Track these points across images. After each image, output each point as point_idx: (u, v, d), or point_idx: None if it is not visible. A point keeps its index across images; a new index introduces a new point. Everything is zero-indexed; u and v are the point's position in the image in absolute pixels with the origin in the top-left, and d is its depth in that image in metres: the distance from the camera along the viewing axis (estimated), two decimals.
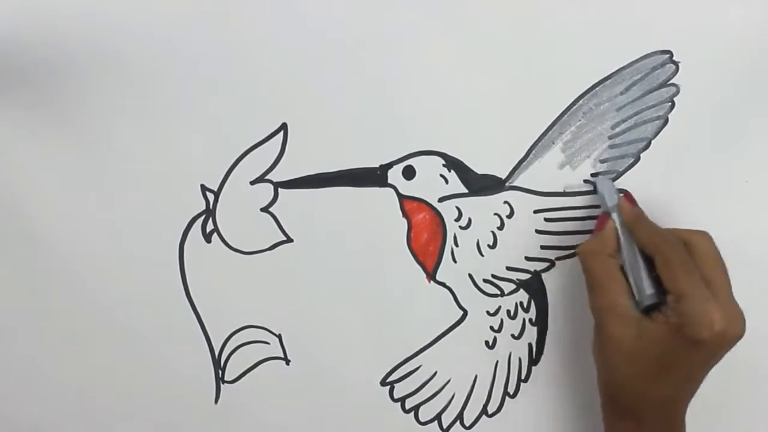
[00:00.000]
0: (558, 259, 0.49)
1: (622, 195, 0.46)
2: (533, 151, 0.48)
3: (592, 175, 0.48)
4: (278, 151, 0.47)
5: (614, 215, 0.45)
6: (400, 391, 0.51)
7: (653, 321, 0.42)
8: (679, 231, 0.44)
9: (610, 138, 0.48)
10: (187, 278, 0.49)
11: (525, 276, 0.50)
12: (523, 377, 0.51)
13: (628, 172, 0.48)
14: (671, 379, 0.42)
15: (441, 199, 0.49)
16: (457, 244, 0.49)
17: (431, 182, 0.48)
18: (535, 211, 0.49)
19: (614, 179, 0.48)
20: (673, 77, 0.47)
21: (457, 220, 0.49)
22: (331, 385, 0.51)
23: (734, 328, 0.40)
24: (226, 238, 0.49)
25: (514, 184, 0.48)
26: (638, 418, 0.43)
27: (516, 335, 0.51)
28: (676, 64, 0.47)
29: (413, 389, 0.51)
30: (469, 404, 0.51)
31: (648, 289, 0.42)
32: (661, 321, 0.41)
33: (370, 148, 0.48)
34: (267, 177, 0.48)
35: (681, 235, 0.43)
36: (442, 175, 0.48)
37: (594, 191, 0.48)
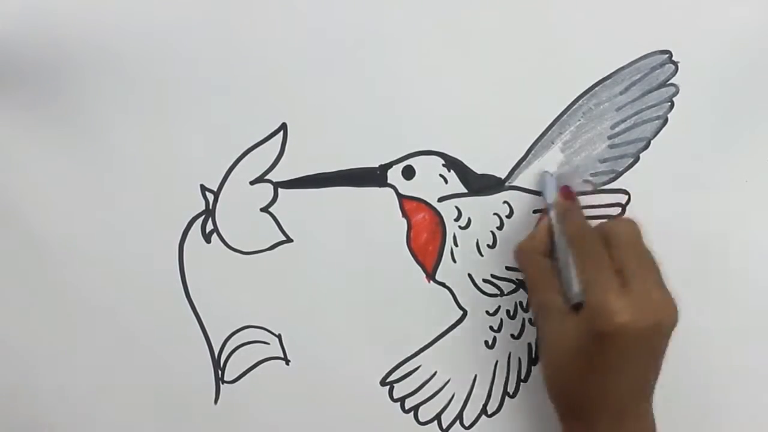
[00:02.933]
0: None
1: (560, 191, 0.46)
2: (533, 151, 0.48)
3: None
4: (278, 151, 0.47)
5: (551, 212, 0.45)
6: (399, 391, 0.51)
7: (574, 317, 0.41)
8: (603, 223, 0.43)
9: (609, 138, 0.48)
10: (187, 278, 0.49)
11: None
12: (522, 377, 0.51)
13: (628, 172, 0.48)
14: (599, 372, 0.40)
15: (440, 199, 0.49)
16: (456, 244, 0.49)
17: (431, 182, 0.48)
18: (535, 211, 0.49)
19: (613, 179, 0.48)
20: (672, 77, 0.47)
21: (457, 220, 0.49)
22: (331, 385, 0.51)
23: (647, 318, 0.38)
24: (225, 238, 0.49)
25: (514, 184, 0.48)
26: (583, 417, 0.42)
27: (515, 335, 0.51)
28: (675, 64, 0.47)
29: (413, 389, 0.51)
30: (468, 404, 0.51)
31: (575, 286, 0.42)
32: (580, 314, 0.40)
33: (370, 148, 0.48)
34: (267, 177, 0.48)
35: (603, 226, 0.42)
36: (441, 175, 0.48)
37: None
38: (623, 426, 0.42)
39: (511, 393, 0.51)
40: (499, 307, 0.50)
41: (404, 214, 0.49)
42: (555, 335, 0.42)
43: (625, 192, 0.48)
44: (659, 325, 0.39)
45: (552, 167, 0.48)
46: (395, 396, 0.51)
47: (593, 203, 0.48)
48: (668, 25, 0.46)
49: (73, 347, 0.50)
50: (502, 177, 0.48)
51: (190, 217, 0.48)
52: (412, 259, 0.49)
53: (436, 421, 0.51)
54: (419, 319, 0.50)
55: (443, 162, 0.48)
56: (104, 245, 0.49)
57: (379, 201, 0.48)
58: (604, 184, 0.48)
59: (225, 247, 0.49)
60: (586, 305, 0.40)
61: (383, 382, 0.51)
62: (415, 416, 0.51)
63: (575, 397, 0.42)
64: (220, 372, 0.51)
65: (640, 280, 0.40)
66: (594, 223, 0.44)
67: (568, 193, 0.46)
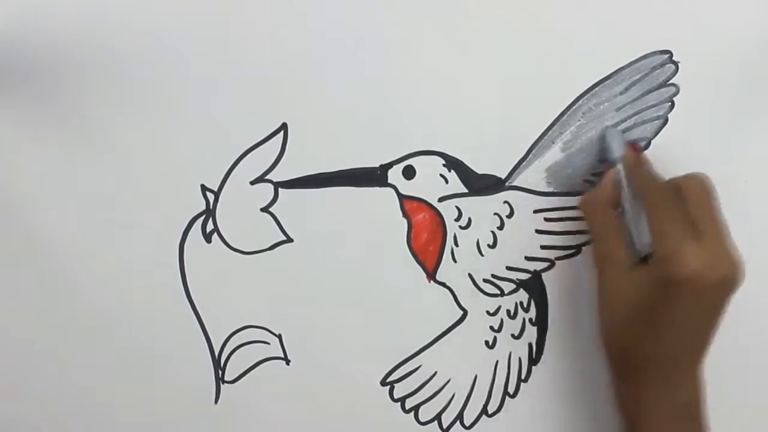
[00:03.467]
0: (558, 259, 0.50)
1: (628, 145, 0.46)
2: (533, 151, 0.48)
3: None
4: (278, 151, 0.47)
5: (619, 166, 0.45)
6: (400, 391, 0.51)
7: (642, 268, 0.41)
8: (675, 177, 0.43)
9: None
10: (187, 278, 0.49)
11: (525, 276, 0.50)
12: (523, 377, 0.51)
13: None
14: (660, 327, 0.40)
15: (441, 199, 0.49)
16: (457, 244, 0.49)
17: (431, 182, 0.48)
18: (535, 211, 0.49)
19: None
20: (672, 77, 0.47)
21: (457, 219, 0.49)
22: (332, 385, 0.51)
23: (718, 270, 0.38)
24: (226, 238, 0.49)
25: (514, 183, 0.48)
26: (638, 373, 0.42)
27: (516, 335, 0.51)
28: (675, 64, 0.47)
29: (413, 389, 0.51)
30: (469, 404, 0.51)
31: (645, 237, 0.41)
32: (649, 264, 0.40)
33: (370, 148, 0.48)
34: (267, 177, 0.48)
35: (676, 180, 0.42)
36: (442, 175, 0.48)
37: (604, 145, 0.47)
38: (672, 387, 0.42)
39: (511, 393, 0.51)
40: (500, 307, 0.50)
41: (405, 214, 0.49)
42: (619, 287, 0.42)
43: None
44: (729, 279, 0.39)
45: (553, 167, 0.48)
46: (395, 396, 0.51)
47: None
48: (668, 25, 0.46)
49: (73, 347, 0.50)
50: (503, 177, 0.48)
51: (191, 217, 0.48)
52: (412, 259, 0.49)
53: (436, 421, 0.51)
54: (419, 319, 0.50)
55: (444, 162, 0.48)
56: (104, 245, 0.49)
57: (380, 201, 0.48)
58: None
59: (225, 247, 0.49)
60: (657, 253, 0.40)
61: (383, 382, 0.51)
62: (416, 416, 0.51)
63: (630, 351, 0.42)
64: (220, 372, 0.51)
65: (713, 233, 0.39)
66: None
67: (637, 147, 0.46)
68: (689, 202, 0.41)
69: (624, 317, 0.42)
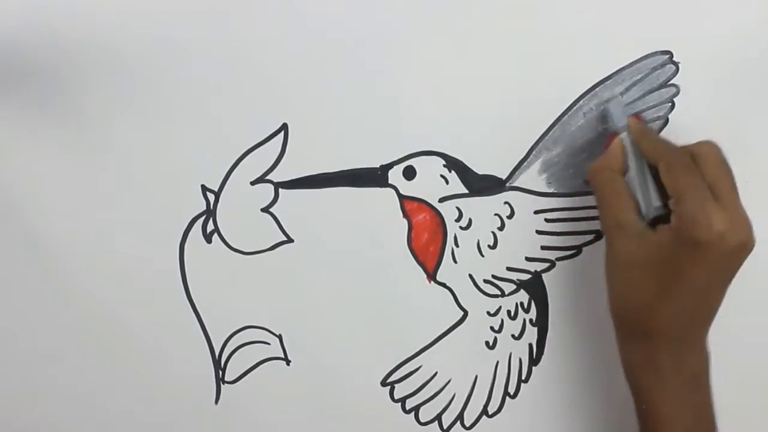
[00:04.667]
0: (558, 259, 0.50)
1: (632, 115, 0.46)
2: (534, 152, 0.48)
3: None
4: (279, 152, 0.47)
5: (623, 135, 0.44)
6: (400, 391, 0.51)
7: (658, 231, 0.41)
8: (686, 145, 0.43)
9: None
10: (188, 278, 0.49)
11: (525, 276, 0.50)
12: (523, 377, 0.51)
13: None
14: (675, 291, 0.40)
15: (441, 200, 0.49)
16: (457, 245, 0.49)
17: (432, 182, 0.48)
18: (536, 212, 0.49)
19: None
20: (673, 78, 0.47)
21: (458, 220, 0.49)
22: (332, 385, 0.51)
23: (738, 234, 0.39)
24: (226, 239, 0.49)
25: (515, 184, 0.48)
26: (649, 339, 0.42)
27: (516, 335, 0.51)
28: (676, 64, 0.47)
29: (414, 390, 0.51)
30: (469, 404, 0.51)
31: (655, 201, 0.41)
32: (664, 229, 0.40)
33: (371, 148, 0.48)
34: (267, 177, 0.48)
35: (687, 147, 0.42)
36: (442, 176, 0.48)
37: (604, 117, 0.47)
38: (684, 353, 0.42)
39: (511, 393, 0.51)
40: (500, 307, 0.50)
41: (405, 215, 0.49)
42: (633, 253, 0.41)
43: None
44: (748, 242, 0.39)
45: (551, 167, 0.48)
46: (396, 396, 0.51)
47: (594, 204, 0.48)
48: (669, 26, 0.46)
49: (73, 347, 0.50)
50: (503, 177, 0.48)
51: (191, 218, 0.48)
52: (412, 259, 0.49)
53: (436, 422, 0.51)
54: (420, 319, 0.50)
55: (444, 162, 0.48)
56: (104, 245, 0.49)
57: (380, 201, 0.48)
58: None
59: (226, 248, 0.49)
60: (679, 214, 0.39)
61: (384, 383, 0.51)
62: (416, 417, 0.51)
63: (644, 316, 0.42)
64: (220, 372, 0.51)
65: (731, 197, 0.40)
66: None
67: (640, 117, 0.46)
68: (706, 166, 0.41)
69: (637, 281, 0.41)
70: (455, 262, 0.49)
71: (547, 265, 0.50)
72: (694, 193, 0.39)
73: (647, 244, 0.41)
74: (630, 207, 0.42)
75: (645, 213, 0.42)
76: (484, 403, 0.51)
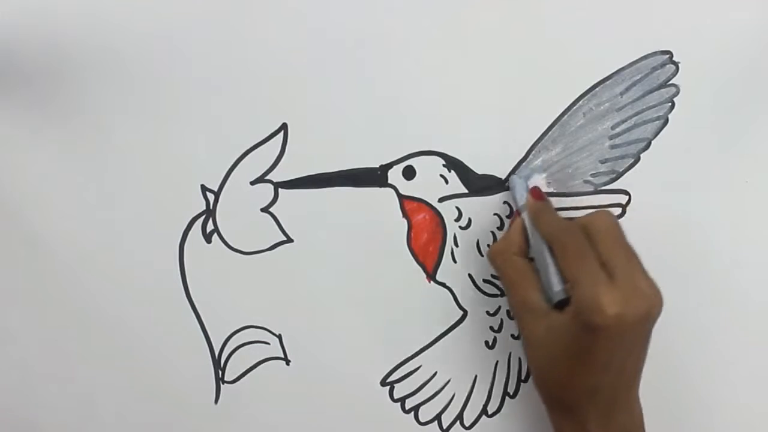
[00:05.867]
0: None
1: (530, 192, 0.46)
2: (533, 152, 0.48)
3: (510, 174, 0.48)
4: (278, 152, 0.47)
5: (524, 214, 0.45)
6: (400, 391, 0.51)
7: (561, 313, 0.41)
8: (580, 218, 0.43)
9: (610, 138, 0.48)
10: (187, 278, 0.49)
11: None
12: (523, 377, 0.51)
13: (628, 172, 0.48)
14: (587, 369, 0.40)
15: (441, 200, 0.49)
16: (457, 245, 0.49)
17: (431, 182, 0.48)
18: None
19: (613, 179, 0.48)
20: (673, 77, 0.47)
21: (457, 220, 0.49)
22: (332, 385, 0.51)
23: (636, 308, 0.38)
24: (226, 239, 0.49)
25: None
26: (573, 412, 0.42)
27: (516, 335, 0.51)
28: (676, 64, 0.47)
29: (413, 389, 0.51)
30: (469, 404, 0.51)
31: (556, 285, 0.42)
32: (567, 311, 0.40)
33: (370, 148, 0.48)
34: (267, 177, 0.48)
35: (581, 221, 0.42)
36: (442, 176, 0.48)
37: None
38: (613, 418, 0.42)
39: (511, 393, 0.51)
40: (500, 307, 0.50)
41: (405, 215, 0.49)
42: (541, 334, 0.42)
43: (626, 192, 0.48)
44: (649, 314, 0.39)
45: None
46: (395, 396, 0.51)
47: (593, 204, 0.48)
48: (669, 26, 0.46)
49: (73, 347, 0.50)
50: (503, 177, 0.48)
51: (191, 217, 0.48)
52: (412, 259, 0.49)
53: (436, 422, 0.51)
54: (420, 319, 0.50)
55: (444, 162, 0.48)
56: (104, 245, 0.49)
57: (380, 201, 0.48)
58: (605, 184, 0.48)
59: (225, 247, 0.49)
60: (574, 300, 0.40)
61: (383, 383, 0.51)
62: (416, 416, 0.51)
63: (565, 393, 0.42)
64: (220, 372, 0.51)
65: (626, 272, 0.39)
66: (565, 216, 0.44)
67: (539, 194, 0.46)
68: (598, 241, 0.41)
69: (551, 362, 0.42)
70: (455, 261, 0.49)
71: None
72: (586, 277, 0.39)
73: (553, 326, 0.41)
74: (534, 287, 0.43)
75: (548, 297, 0.42)
76: (483, 402, 0.51)
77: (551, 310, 0.42)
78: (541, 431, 0.52)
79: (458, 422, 0.52)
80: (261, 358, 0.51)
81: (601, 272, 0.39)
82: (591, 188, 0.48)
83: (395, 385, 0.51)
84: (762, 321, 0.50)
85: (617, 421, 0.42)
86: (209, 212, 0.48)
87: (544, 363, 0.42)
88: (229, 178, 0.48)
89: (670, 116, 0.48)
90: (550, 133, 0.48)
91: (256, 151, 0.47)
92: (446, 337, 0.50)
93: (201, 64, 0.46)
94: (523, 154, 0.48)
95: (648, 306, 0.39)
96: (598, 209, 0.43)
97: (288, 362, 0.51)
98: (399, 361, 0.51)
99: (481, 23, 0.46)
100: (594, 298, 0.38)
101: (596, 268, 0.40)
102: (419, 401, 0.51)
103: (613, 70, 0.47)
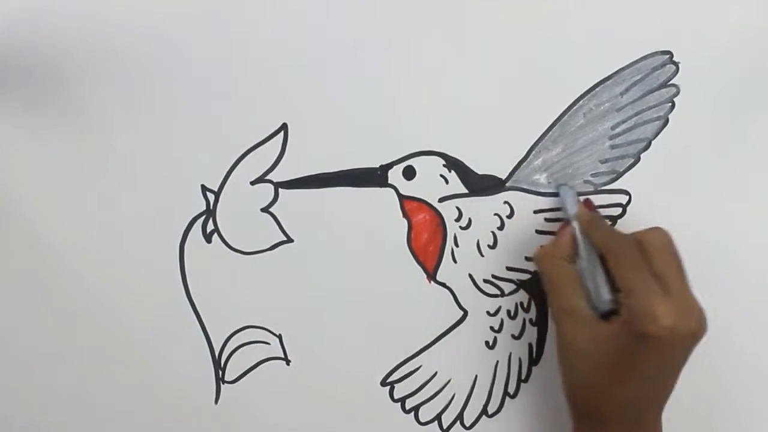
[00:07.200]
0: None
1: (582, 202, 0.47)
2: (533, 152, 0.48)
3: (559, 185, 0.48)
4: (278, 152, 0.47)
5: (574, 223, 0.45)
6: (400, 391, 0.51)
7: (608, 322, 0.41)
8: (635, 232, 0.43)
9: (610, 138, 0.48)
10: (187, 278, 0.49)
11: (525, 276, 0.50)
12: (523, 377, 0.51)
13: (628, 172, 0.48)
14: (628, 380, 0.41)
15: (441, 200, 0.49)
16: (457, 245, 0.49)
17: (431, 182, 0.48)
18: (536, 212, 0.49)
19: (614, 179, 0.48)
20: (673, 78, 0.47)
21: (458, 220, 0.49)
22: (332, 385, 0.51)
23: (687, 324, 0.39)
24: (226, 239, 0.49)
25: (515, 184, 0.48)
26: (602, 424, 0.43)
27: (516, 335, 0.51)
28: (676, 64, 0.47)
29: (413, 389, 0.51)
30: (469, 404, 0.51)
31: (605, 294, 0.42)
32: (615, 321, 0.41)
33: (370, 148, 0.48)
34: (267, 177, 0.48)
35: (635, 235, 0.43)
36: (442, 176, 0.48)
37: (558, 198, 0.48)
38: None
39: (511, 393, 0.51)
40: (500, 307, 0.50)
41: (405, 215, 0.49)
42: (584, 341, 0.42)
43: (626, 192, 0.48)
44: (697, 332, 0.40)
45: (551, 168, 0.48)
46: (396, 396, 0.51)
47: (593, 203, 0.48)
48: (669, 26, 0.46)
49: (73, 347, 0.50)
50: (503, 177, 0.48)
51: (191, 218, 0.48)
52: (412, 259, 0.49)
53: (436, 422, 0.51)
54: (420, 319, 0.50)
55: (444, 162, 0.48)
56: (104, 245, 0.49)
57: (380, 201, 0.48)
58: (605, 184, 0.48)
59: (226, 248, 0.49)
60: (628, 309, 0.40)
61: (384, 383, 0.51)
62: (416, 416, 0.51)
63: (598, 405, 0.42)
64: (220, 372, 0.51)
65: (680, 288, 0.40)
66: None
67: (591, 205, 0.47)
68: (653, 256, 0.41)
69: (590, 371, 0.42)
70: (455, 261, 0.49)
71: None
72: (642, 288, 0.40)
73: (598, 334, 0.41)
74: (579, 294, 0.43)
75: (595, 305, 0.42)
76: (483, 402, 0.51)
77: (596, 320, 0.42)
78: (542, 431, 0.52)
79: (458, 422, 0.52)
80: (261, 358, 0.51)
81: (656, 284, 0.40)
82: (591, 188, 0.48)
83: (395, 385, 0.51)
84: (762, 321, 0.50)
85: None
86: (209, 212, 0.48)
87: (583, 370, 0.42)
88: (230, 178, 0.48)
89: (670, 116, 0.47)
90: (550, 133, 0.48)
91: (256, 151, 0.47)
92: (446, 337, 0.50)
93: (201, 64, 0.46)
94: (523, 154, 0.48)
95: (698, 322, 0.40)
96: (653, 227, 0.43)
97: (288, 362, 0.51)
98: (399, 361, 0.51)
99: (481, 23, 0.46)
100: (649, 307, 0.39)
101: (651, 280, 0.40)
102: (419, 401, 0.51)
103: (614, 71, 0.47)
